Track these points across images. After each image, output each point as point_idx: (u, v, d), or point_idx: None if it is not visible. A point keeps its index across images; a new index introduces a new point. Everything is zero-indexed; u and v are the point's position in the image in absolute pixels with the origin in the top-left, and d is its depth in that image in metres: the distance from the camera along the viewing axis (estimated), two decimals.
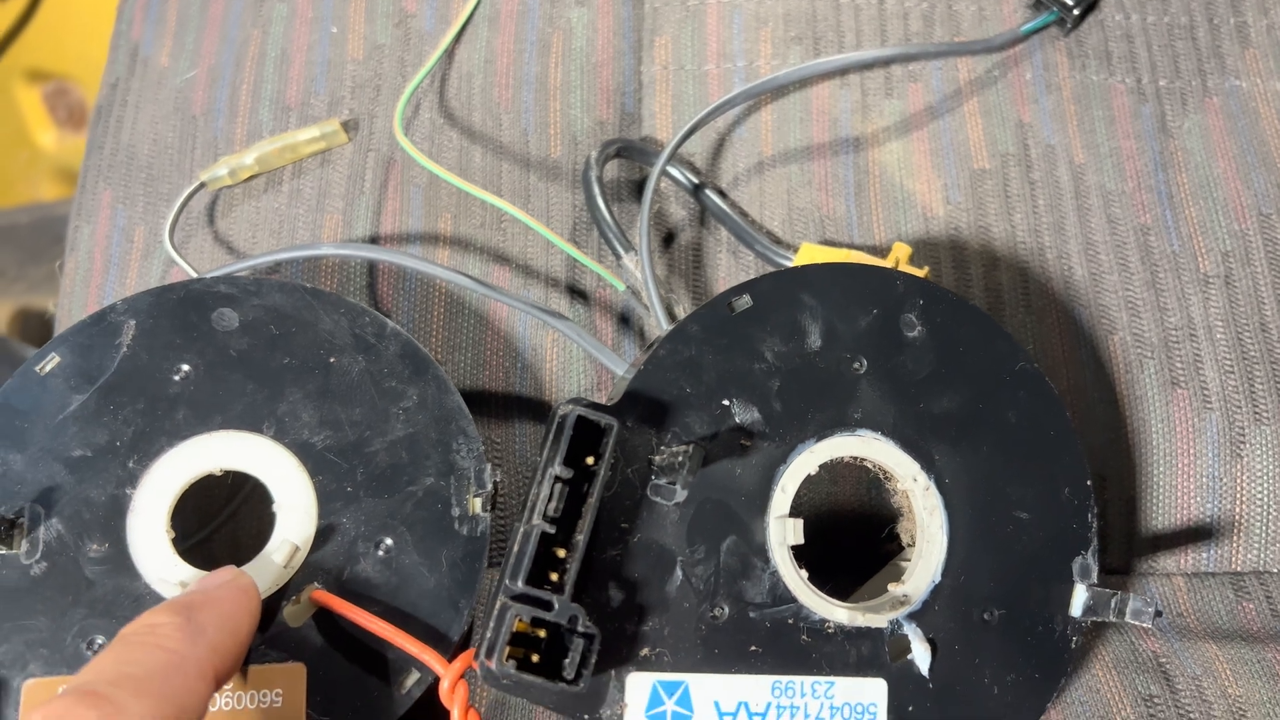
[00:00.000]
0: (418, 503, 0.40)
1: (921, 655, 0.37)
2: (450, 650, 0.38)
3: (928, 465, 0.38)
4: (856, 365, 0.38)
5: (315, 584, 0.39)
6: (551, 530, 0.33)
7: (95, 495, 0.39)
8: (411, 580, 0.39)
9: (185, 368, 0.40)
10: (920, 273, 0.44)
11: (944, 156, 0.51)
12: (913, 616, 0.38)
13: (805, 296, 0.38)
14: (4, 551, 0.37)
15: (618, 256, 0.45)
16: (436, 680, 0.36)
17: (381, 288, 0.48)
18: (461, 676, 0.36)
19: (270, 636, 0.38)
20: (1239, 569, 0.46)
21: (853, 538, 0.46)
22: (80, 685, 0.29)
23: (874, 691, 0.37)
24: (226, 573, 0.36)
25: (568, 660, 0.32)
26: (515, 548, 0.34)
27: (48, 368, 0.40)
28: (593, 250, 0.49)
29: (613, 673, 0.35)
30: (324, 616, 0.38)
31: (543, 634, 0.33)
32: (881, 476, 0.39)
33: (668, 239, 0.49)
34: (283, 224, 0.49)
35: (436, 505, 0.40)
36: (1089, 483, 0.40)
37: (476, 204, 0.49)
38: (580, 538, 0.34)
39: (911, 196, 0.50)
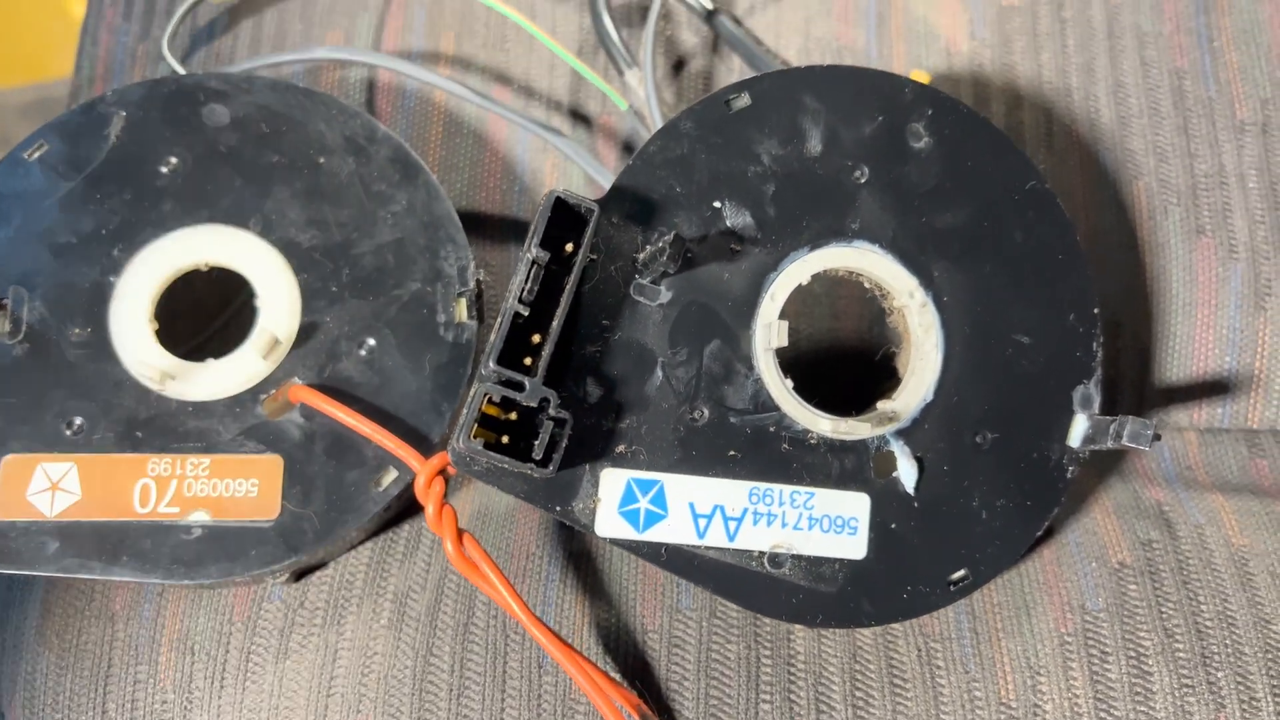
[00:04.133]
0: (403, 306, 0.39)
1: (908, 472, 0.36)
2: (431, 453, 0.38)
3: (926, 281, 0.37)
4: (858, 174, 0.37)
5: (294, 379, 0.38)
6: (525, 313, 0.32)
7: (79, 281, 0.38)
8: (394, 382, 0.39)
9: (174, 161, 0.40)
10: None
11: None
12: (901, 434, 0.36)
13: (808, 98, 0.36)
14: None
15: (620, 72, 0.44)
16: (414, 479, 0.36)
17: (380, 106, 0.47)
18: (440, 475, 0.36)
19: (248, 428, 0.38)
20: (1255, 426, 0.45)
21: (853, 375, 0.44)
22: None
23: (856, 505, 0.36)
24: None
25: (537, 442, 0.32)
26: (491, 335, 0.33)
27: (35, 155, 0.39)
28: (597, 74, 0.47)
29: (587, 467, 0.34)
30: (305, 412, 0.38)
31: (515, 418, 0.33)
32: (877, 293, 0.38)
33: (678, 66, 0.48)
34: (283, 40, 0.48)
35: (422, 310, 0.39)
36: (1096, 310, 0.38)
37: (479, 23, 0.48)
38: (555, 324, 0.33)
39: (935, 30, 0.48)
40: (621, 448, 0.34)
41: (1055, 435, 0.38)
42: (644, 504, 0.34)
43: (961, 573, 0.37)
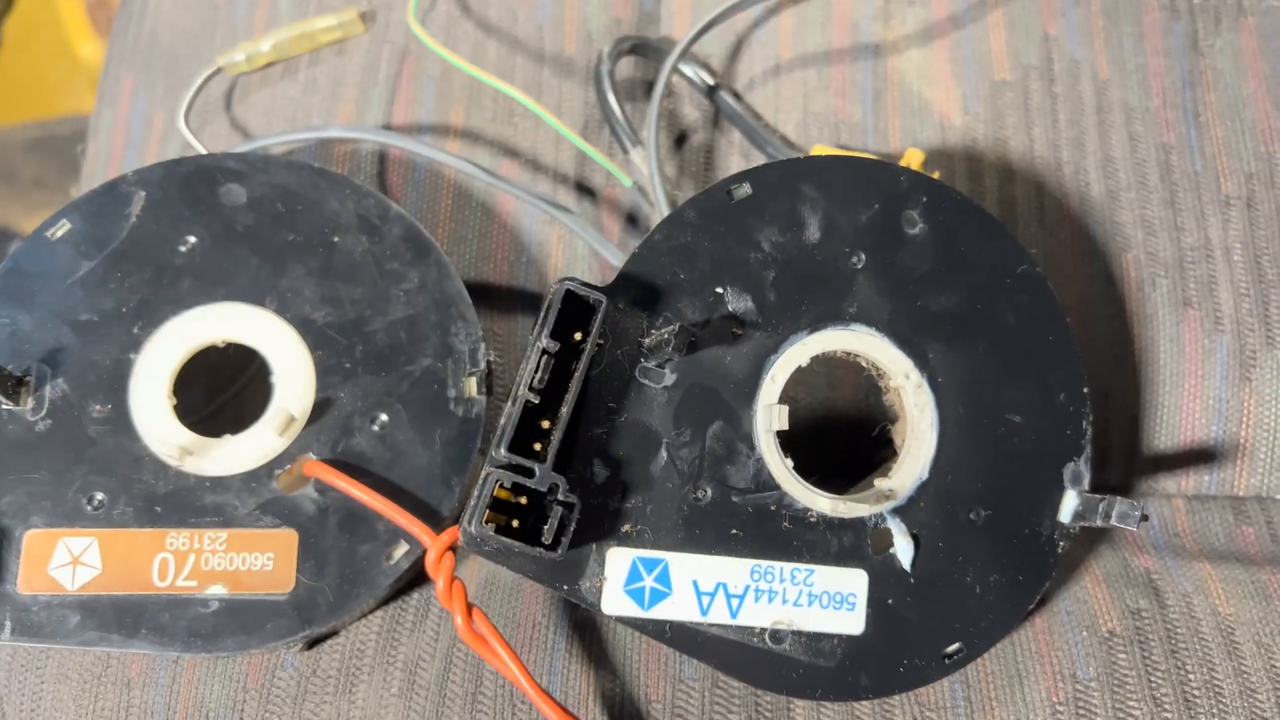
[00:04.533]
0: (415, 382, 0.40)
1: (904, 549, 0.37)
2: (441, 526, 0.39)
3: (921, 363, 0.38)
4: (855, 260, 0.38)
5: (309, 455, 0.39)
6: (536, 401, 0.34)
7: (100, 358, 0.39)
8: (405, 456, 0.40)
9: (192, 239, 0.41)
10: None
11: (965, 66, 0.50)
12: (897, 511, 0.38)
13: (806, 188, 0.38)
14: (11, 408, 0.38)
15: (625, 151, 0.45)
16: (425, 553, 0.37)
17: (391, 178, 0.48)
18: (450, 549, 0.37)
19: (264, 503, 0.39)
20: (1241, 493, 0.46)
21: (850, 444, 0.46)
22: None
23: (854, 581, 0.37)
24: None
25: (546, 526, 0.33)
26: (502, 420, 0.34)
27: (59, 234, 0.40)
28: (603, 148, 0.48)
29: (594, 546, 0.35)
30: (319, 487, 0.39)
31: (524, 501, 0.34)
32: (874, 374, 0.39)
33: (680, 140, 0.49)
34: (297, 111, 0.50)
35: (433, 386, 0.41)
36: (1085, 390, 0.39)
37: (488, 98, 0.49)
38: (564, 410, 0.34)
39: (929, 105, 0.49)
40: (627, 527, 0.36)
41: (1046, 511, 0.39)
42: (649, 582, 0.36)
43: (956, 646, 0.38)
